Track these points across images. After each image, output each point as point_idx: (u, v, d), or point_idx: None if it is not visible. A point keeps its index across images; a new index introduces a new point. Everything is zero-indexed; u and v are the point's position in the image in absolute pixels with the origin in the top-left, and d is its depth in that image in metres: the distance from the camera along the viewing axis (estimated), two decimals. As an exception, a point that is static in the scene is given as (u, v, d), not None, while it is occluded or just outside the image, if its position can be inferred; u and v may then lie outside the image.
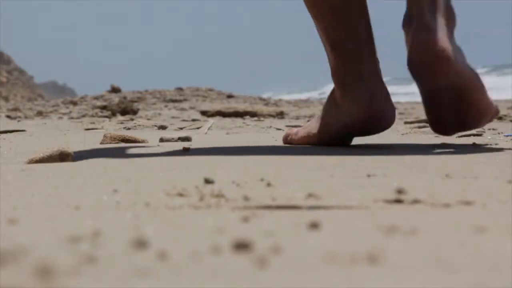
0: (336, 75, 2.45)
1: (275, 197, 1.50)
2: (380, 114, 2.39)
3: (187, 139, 3.41)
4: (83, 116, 7.61)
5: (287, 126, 4.66)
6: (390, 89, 2.48)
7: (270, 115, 7.07)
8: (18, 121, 6.77)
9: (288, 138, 2.81)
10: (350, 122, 2.45)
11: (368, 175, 1.84)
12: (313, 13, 2.36)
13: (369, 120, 2.38)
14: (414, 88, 2.35)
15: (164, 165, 2.15)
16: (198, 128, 4.68)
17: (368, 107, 2.36)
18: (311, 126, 2.63)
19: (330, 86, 2.60)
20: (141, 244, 1.02)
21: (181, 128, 4.92)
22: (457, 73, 2.07)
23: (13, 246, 1.03)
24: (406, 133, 3.94)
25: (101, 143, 3.37)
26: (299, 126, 3.72)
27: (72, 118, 7.37)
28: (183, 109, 9.61)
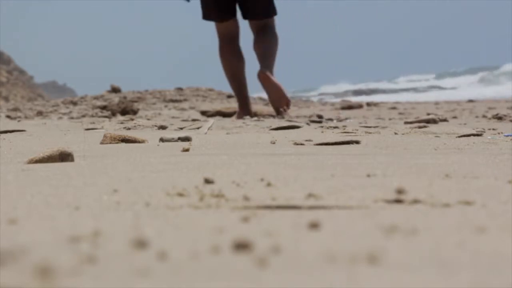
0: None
1: (275, 197, 1.50)
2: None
3: (187, 139, 3.40)
4: (83, 116, 7.60)
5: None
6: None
7: (270, 115, 7.07)
8: (18, 121, 6.77)
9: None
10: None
11: (368, 175, 1.84)
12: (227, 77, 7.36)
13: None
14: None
15: (164, 165, 2.15)
16: (198, 128, 4.68)
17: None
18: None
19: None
20: (141, 244, 1.02)
21: (181, 128, 4.92)
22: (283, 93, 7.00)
23: (13, 246, 1.03)
24: (406, 133, 3.94)
25: (101, 143, 3.37)
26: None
27: (72, 118, 7.35)
28: (183, 109, 9.59)
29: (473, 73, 55.67)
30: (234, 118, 7.11)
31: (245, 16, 7.12)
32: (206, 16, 7.08)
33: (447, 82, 52.53)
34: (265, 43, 7.05)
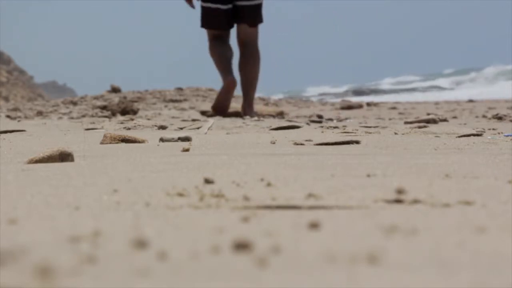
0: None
1: (275, 197, 1.50)
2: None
3: (187, 139, 3.41)
4: (83, 116, 7.59)
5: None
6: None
7: (270, 115, 7.07)
8: (18, 121, 6.76)
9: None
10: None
11: (368, 175, 1.84)
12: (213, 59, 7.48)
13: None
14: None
15: (164, 165, 2.15)
16: (198, 128, 4.68)
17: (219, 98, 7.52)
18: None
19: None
20: (141, 244, 1.02)
21: (181, 128, 4.92)
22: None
23: (13, 246, 1.03)
24: (406, 133, 3.94)
25: (101, 143, 3.37)
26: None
27: (72, 118, 7.35)
28: (183, 109, 9.59)
29: (458, 74, 55.95)
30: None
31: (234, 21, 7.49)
32: (206, 25, 7.36)
33: (435, 83, 52.61)
34: (248, 72, 7.48)
